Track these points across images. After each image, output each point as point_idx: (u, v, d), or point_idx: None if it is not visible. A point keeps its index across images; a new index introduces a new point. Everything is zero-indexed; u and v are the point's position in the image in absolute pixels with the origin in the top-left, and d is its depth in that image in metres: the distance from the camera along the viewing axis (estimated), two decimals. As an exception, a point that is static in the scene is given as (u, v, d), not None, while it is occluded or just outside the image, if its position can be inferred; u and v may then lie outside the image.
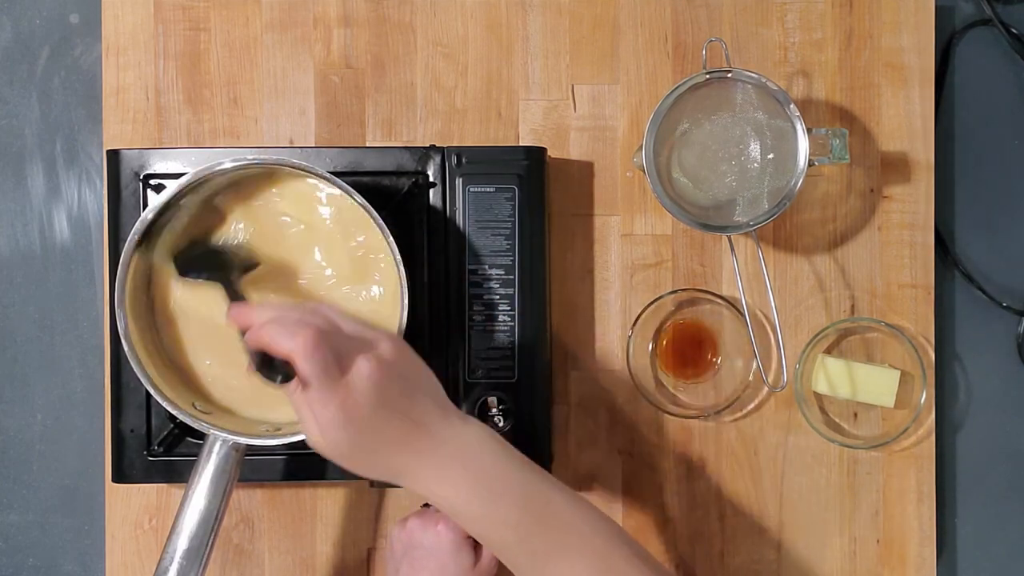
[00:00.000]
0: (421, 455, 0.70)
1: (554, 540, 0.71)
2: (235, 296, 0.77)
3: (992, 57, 0.96)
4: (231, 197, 0.85)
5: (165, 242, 0.84)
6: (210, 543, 0.79)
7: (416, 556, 0.81)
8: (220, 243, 0.84)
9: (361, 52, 0.94)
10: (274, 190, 0.85)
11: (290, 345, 0.67)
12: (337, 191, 0.82)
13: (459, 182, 0.88)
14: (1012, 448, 0.96)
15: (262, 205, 0.86)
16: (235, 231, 0.85)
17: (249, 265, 0.83)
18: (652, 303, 0.91)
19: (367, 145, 0.94)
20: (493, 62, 0.94)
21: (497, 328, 0.88)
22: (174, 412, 0.81)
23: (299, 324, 0.68)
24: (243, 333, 0.71)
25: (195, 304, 0.85)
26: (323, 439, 0.69)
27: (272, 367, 0.68)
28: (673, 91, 0.85)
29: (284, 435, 0.81)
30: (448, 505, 0.71)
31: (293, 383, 0.68)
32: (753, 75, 0.84)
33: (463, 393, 0.88)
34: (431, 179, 0.88)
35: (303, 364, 0.67)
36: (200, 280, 0.81)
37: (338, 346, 0.68)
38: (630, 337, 0.91)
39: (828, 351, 0.93)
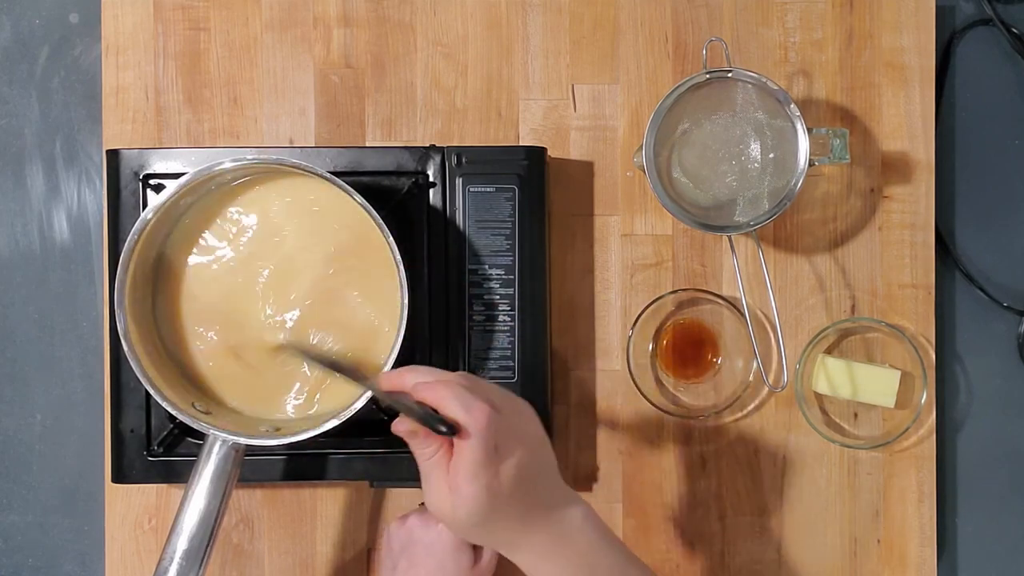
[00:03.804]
0: (532, 533, 0.73)
1: None
2: (365, 379, 0.78)
3: (992, 57, 0.96)
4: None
5: (182, 230, 0.85)
6: (210, 543, 0.79)
7: (415, 553, 0.81)
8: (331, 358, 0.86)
9: (361, 52, 0.94)
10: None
11: (464, 417, 0.69)
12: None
13: (459, 182, 0.88)
14: (1013, 448, 0.96)
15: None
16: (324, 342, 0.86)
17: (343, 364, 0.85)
18: (652, 303, 0.91)
19: (367, 145, 0.94)
20: (493, 62, 0.94)
21: (497, 328, 0.88)
22: (174, 412, 0.81)
23: (473, 399, 0.69)
24: (391, 395, 0.73)
25: (209, 288, 0.86)
26: (451, 508, 0.70)
27: (435, 419, 0.69)
28: (673, 91, 0.85)
29: (284, 435, 0.81)
30: None
31: (437, 450, 0.70)
32: (753, 75, 0.84)
33: (463, 393, 0.88)
34: (431, 179, 0.88)
35: (474, 437, 0.69)
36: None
37: (496, 428, 0.70)
38: (630, 337, 0.91)
39: (829, 351, 0.93)
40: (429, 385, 0.71)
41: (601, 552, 0.74)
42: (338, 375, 0.80)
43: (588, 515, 0.75)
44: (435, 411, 0.70)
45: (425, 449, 0.71)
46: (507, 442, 0.70)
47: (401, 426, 0.72)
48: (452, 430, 0.69)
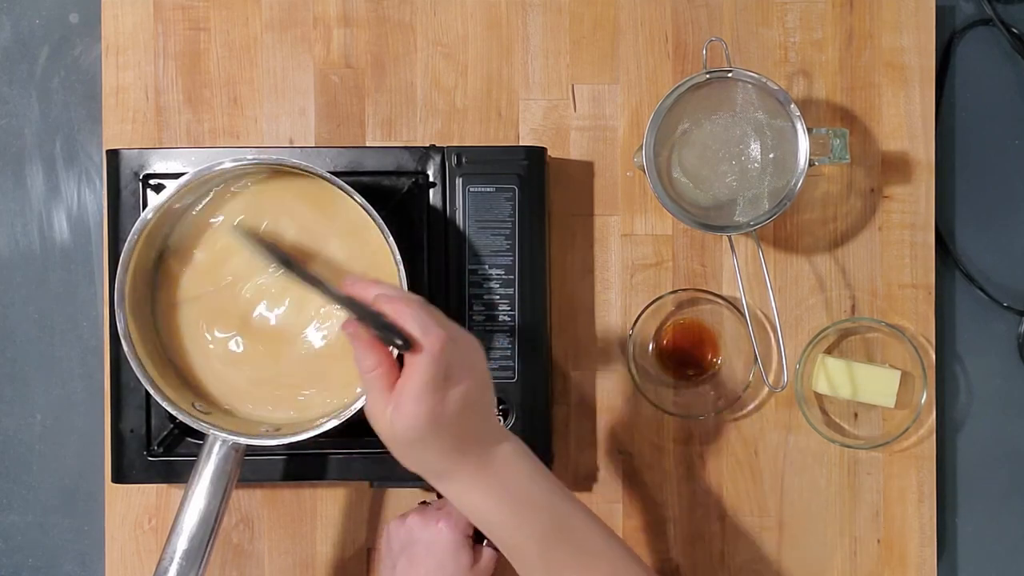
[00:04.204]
0: (465, 464, 0.72)
1: (572, 555, 0.74)
2: (321, 282, 0.76)
3: (992, 57, 0.96)
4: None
5: (185, 226, 0.84)
6: (210, 543, 0.79)
7: (414, 552, 0.81)
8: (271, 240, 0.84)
9: (361, 52, 0.94)
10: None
11: (422, 338, 0.69)
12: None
13: (459, 182, 0.88)
14: (1013, 448, 0.96)
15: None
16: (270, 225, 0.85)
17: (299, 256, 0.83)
18: (652, 303, 0.91)
19: (367, 145, 0.94)
20: (493, 62, 0.94)
21: (497, 328, 0.88)
22: (174, 412, 0.81)
23: (432, 322, 0.70)
24: (348, 301, 0.72)
25: (208, 280, 0.85)
26: (390, 424, 0.70)
27: (392, 331, 0.69)
28: (673, 91, 0.85)
29: (284, 435, 0.81)
30: (477, 512, 0.74)
31: (378, 366, 0.70)
32: (753, 75, 0.84)
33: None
34: (431, 179, 0.88)
35: (426, 359, 0.69)
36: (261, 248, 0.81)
37: (450, 356, 0.70)
38: (630, 337, 0.91)
39: (829, 351, 0.93)
40: (391, 299, 0.71)
41: (531, 486, 0.74)
42: (290, 271, 0.78)
43: (519, 449, 0.75)
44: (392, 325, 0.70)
45: (365, 361, 0.71)
46: (458, 371, 0.70)
47: (349, 326, 0.71)
48: (407, 344, 0.69)
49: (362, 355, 0.71)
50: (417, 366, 0.69)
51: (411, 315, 0.70)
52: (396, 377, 0.70)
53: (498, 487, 0.73)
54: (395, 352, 0.70)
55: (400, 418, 0.69)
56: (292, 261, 0.79)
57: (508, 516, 0.73)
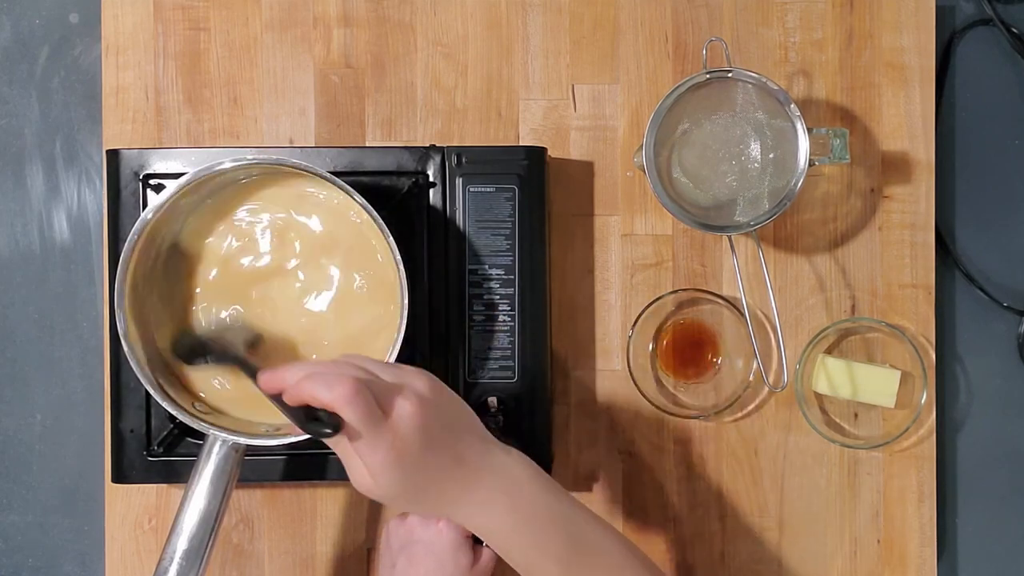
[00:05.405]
0: (467, 488, 0.72)
1: (591, 569, 0.73)
2: (251, 369, 0.74)
3: (992, 57, 0.96)
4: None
5: (182, 229, 0.85)
6: (210, 543, 0.79)
7: (414, 552, 0.81)
8: (212, 329, 0.84)
9: (361, 52, 0.94)
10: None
11: (329, 396, 0.67)
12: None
13: (459, 182, 0.88)
14: (1013, 448, 0.96)
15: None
16: (215, 314, 0.85)
17: (252, 340, 0.83)
18: (652, 303, 0.91)
19: (367, 145, 0.94)
20: (493, 62, 0.94)
21: (497, 328, 0.88)
22: (174, 412, 0.81)
23: (336, 375, 0.68)
24: (276, 398, 0.70)
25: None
26: (375, 483, 0.69)
27: (318, 421, 0.68)
28: (673, 91, 0.85)
29: (284, 435, 0.81)
30: (492, 535, 0.73)
31: (339, 435, 0.68)
32: (753, 75, 0.84)
33: (463, 393, 0.88)
34: (431, 179, 0.88)
35: (347, 411, 0.67)
36: (207, 365, 0.81)
37: (377, 391, 0.69)
38: (630, 337, 0.91)
39: (829, 351, 0.93)
40: (295, 385, 0.69)
41: (546, 503, 0.73)
42: (235, 366, 0.77)
43: (527, 465, 0.74)
44: (312, 408, 0.68)
45: (330, 440, 0.69)
46: (389, 401, 0.68)
47: (290, 431, 0.71)
48: (335, 427, 0.67)
49: (324, 438, 0.69)
50: (350, 422, 0.67)
51: (313, 384, 0.67)
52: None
53: (509, 505, 0.72)
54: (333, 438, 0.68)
55: (377, 471, 0.68)
56: (233, 356, 0.78)
57: (528, 537, 0.72)
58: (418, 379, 0.72)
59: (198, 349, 0.82)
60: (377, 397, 0.68)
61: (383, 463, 0.68)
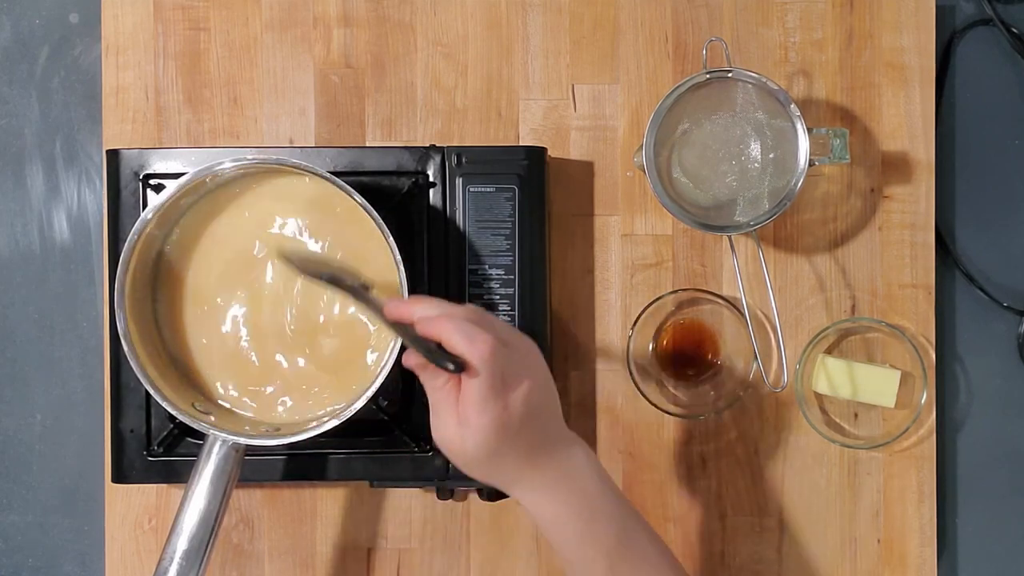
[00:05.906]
0: (537, 470, 0.72)
1: (635, 567, 0.74)
2: (364, 296, 0.75)
3: (992, 57, 0.96)
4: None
5: (182, 230, 0.84)
6: (210, 543, 0.79)
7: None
8: (336, 266, 0.83)
9: (361, 52, 0.94)
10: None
11: (467, 347, 0.69)
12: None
13: (459, 182, 0.88)
14: (1013, 448, 0.96)
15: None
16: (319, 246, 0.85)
17: (366, 284, 0.81)
18: (652, 303, 0.91)
19: (367, 145, 0.94)
20: (493, 62, 0.94)
21: (497, 328, 0.88)
22: (174, 412, 0.81)
23: (478, 332, 0.69)
24: (400, 326, 0.72)
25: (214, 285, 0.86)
26: (461, 441, 0.70)
27: (444, 355, 0.69)
28: (673, 91, 0.85)
29: (284, 435, 0.81)
30: (549, 520, 0.73)
31: (450, 383, 0.70)
32: (753, 75, 0.84)
33: (463, 393, 0.88)
34: (431, 179, 0.88)
35: (480, 367, 0.68)
36: (320, 281, 0.78)
37: (504, 361, 0.70)
38: (630, 337, 0.91)
39: (829, 351, 0.93)
40: (432, 319, 0.71)
41: (603, 496, 0.74)
42: (342, 291, 0.76)
43: (591, 457, 0.75)
44: (439, 345, 0.70)
45: (435, 381, 0.71)
46: (514, 374, 0.70)
47: (411, 359, 0.72)
48: (459, 366, 0.69)
49: (428, 378, 0.71)
50: (473, 379, 0.69)
51: (454, 330, 0.69)
52: None
53: (571, 493, 0.73)
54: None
55: (470, 434, 0.69)
56: (349, 285, 0.77)
57: (583, 526, 0.73)
58: (538, 360, 0.74)
59: (320, 266, 0.80)
60: (502, 366, 0.69)
61: (484, 427, 0.69)
